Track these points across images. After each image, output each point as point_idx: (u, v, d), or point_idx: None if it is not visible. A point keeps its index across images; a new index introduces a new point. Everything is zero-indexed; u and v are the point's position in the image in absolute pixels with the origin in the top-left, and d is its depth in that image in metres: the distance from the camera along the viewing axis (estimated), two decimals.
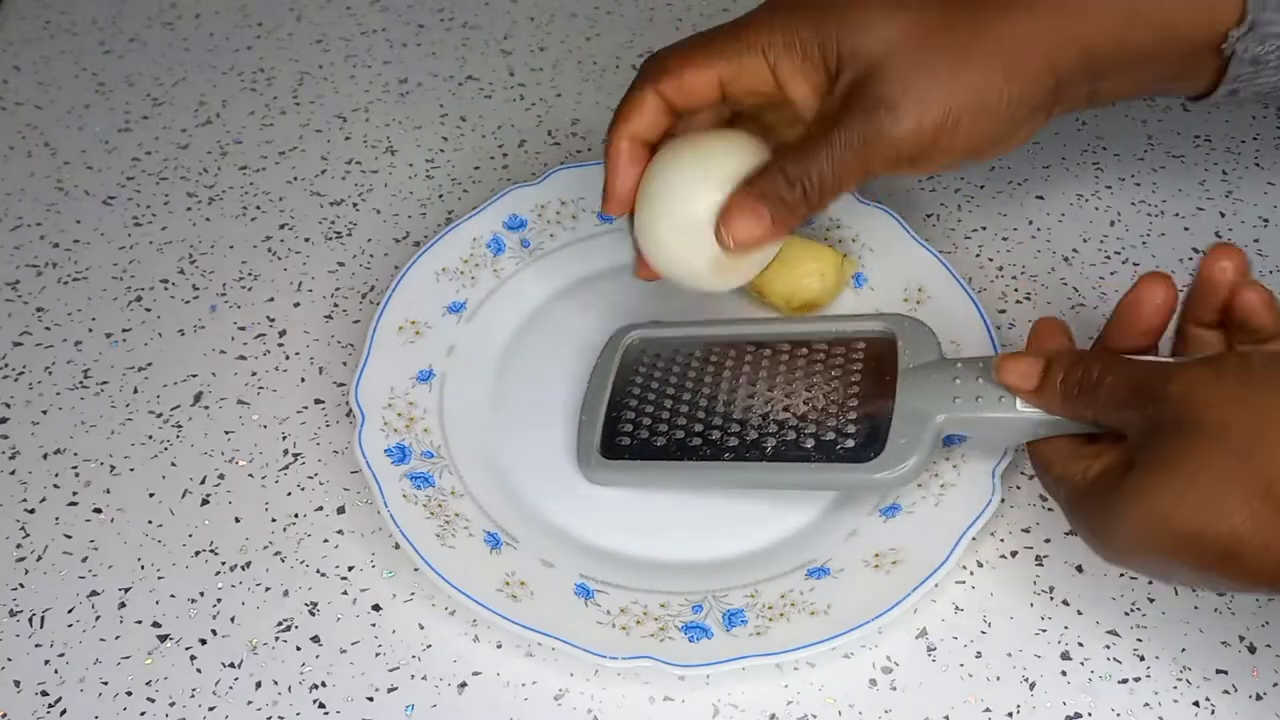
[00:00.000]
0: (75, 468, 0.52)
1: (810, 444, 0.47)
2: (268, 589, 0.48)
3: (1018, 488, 0.51)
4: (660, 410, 0.51)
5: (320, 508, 0.51)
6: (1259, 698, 0.44)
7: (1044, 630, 0.46)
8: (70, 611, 0.47)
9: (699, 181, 0.46)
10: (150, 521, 0.50)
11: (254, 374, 0.56)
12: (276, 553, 0.49)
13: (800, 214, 0.46)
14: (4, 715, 0.45)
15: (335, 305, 0.59)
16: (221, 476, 0.52)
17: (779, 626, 0.45)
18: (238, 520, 0.50)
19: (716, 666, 0.44)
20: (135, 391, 0.55)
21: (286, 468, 0.52)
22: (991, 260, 0.60)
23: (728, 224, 0.46)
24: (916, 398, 0.46)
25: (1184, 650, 0.46)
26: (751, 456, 0.48)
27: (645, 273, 0.50)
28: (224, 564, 0.49)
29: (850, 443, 0.47)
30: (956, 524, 0.47)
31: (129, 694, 0.45)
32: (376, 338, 0.54)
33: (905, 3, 0.45)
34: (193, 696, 0.45)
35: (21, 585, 0.48)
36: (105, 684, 0.45)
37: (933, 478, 0.49)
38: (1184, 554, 0.37)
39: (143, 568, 0.49)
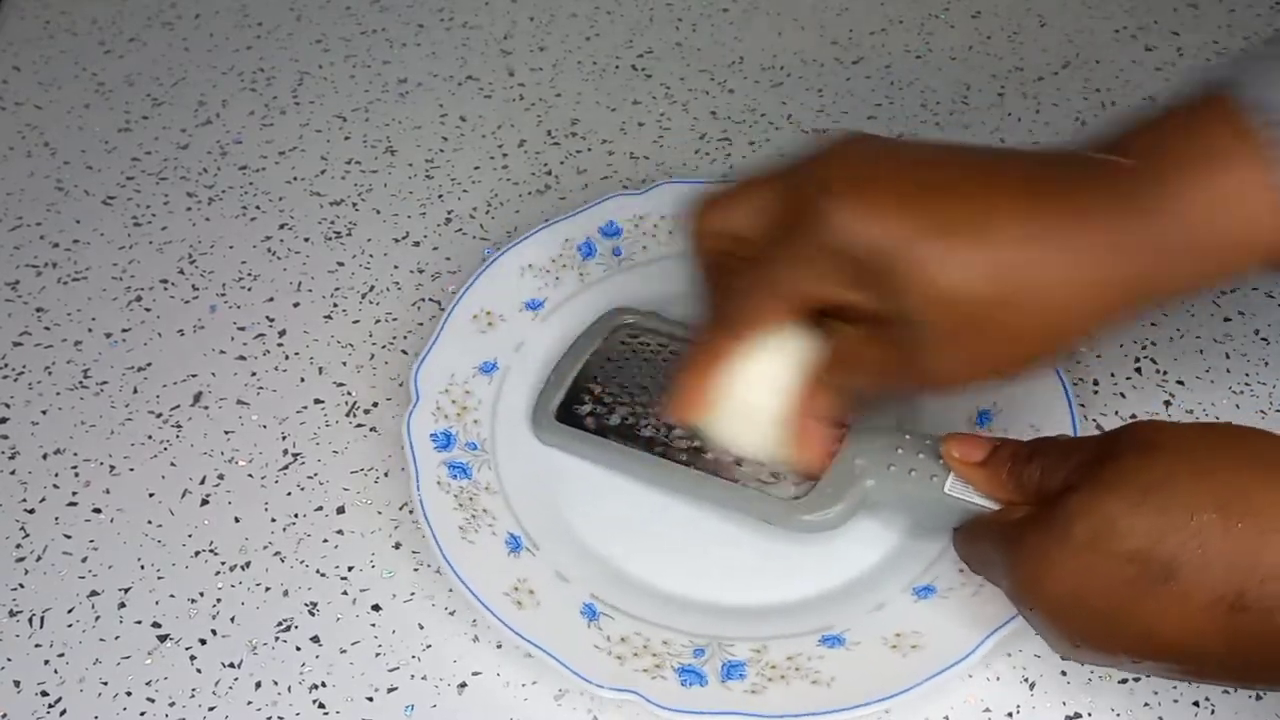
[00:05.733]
0: (75, 468, 0.52)
1: (745, 465, 0.48)
2: (268, 589, 0.48)
3: None
4: (623, 393, 0.51)
5: (320, 508, 0.51)
6: (1259, 698, 0.44)
7: None
8: (70, 611, 0.48)
9: (753, 393, 0.45)
10: (150, 521, 0.50)
11: (254, 374, 0.56)
12: (276, 553, 0.49)
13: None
14: (4, 715, 0.45)
15: (335, 305, 0.59)
16: (221, 476, 0.52)
17: (776, 689, 0.43)
18: (237, 520, 0.50)
19: (700, 716, 0.42)
20: (135, 391, 0.55)
21: (286, 468, 0.52)
22: None
23: (804, 454, 0.46)
24: (857, 454, 0.46)
25: None
26: (685, 460, 0.49)
27: (676, 415, 0.47)
28: (224, 564, 0.49)
29: (783, 477, 0.48)
30: (990, 618, 0.44)
31: (129, 694, 0.45)
32: (449, 323, 0.53)
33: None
34: (193, 696, 0.45)
35: (21, 585, 0.48)
36: (105, 684, 0.45)
37: None
38: (1123, 577, 0.36)
39: (143, 568, 0.49)
